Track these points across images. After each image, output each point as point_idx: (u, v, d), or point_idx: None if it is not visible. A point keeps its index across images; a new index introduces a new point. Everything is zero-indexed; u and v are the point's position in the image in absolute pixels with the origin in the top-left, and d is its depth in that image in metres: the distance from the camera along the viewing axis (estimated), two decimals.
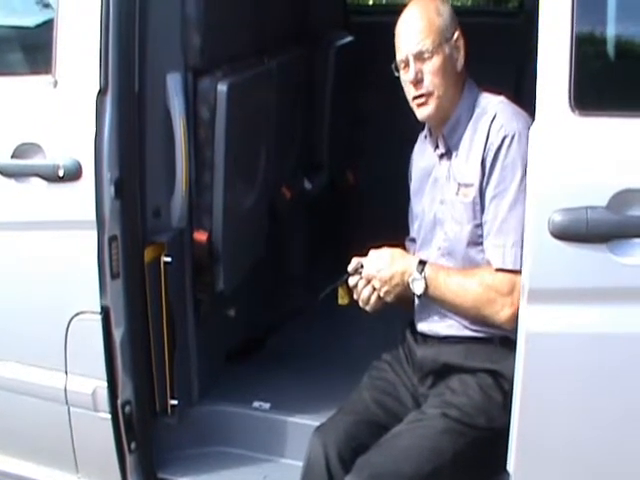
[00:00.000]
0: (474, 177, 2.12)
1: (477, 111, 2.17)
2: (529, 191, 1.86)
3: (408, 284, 2.13)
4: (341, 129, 3.27)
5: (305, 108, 3.06)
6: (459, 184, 2.17)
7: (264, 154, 2.68)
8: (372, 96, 3.40)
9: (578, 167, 1.82)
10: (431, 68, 2.11)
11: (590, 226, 1.78)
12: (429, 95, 2.13)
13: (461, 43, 2.15)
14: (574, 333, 1.84)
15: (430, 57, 2.11)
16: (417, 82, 2.12)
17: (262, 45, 2.73)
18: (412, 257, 2.21)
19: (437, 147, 2.24)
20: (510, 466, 1.95)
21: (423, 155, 2.32)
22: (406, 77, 2.15)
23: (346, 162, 3.36)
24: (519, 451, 1.92)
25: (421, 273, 2.12)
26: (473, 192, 2.13)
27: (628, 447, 1.87)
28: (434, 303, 2.16)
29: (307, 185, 3.09)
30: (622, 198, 1.78)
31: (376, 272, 2.15)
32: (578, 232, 1.79)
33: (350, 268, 2.23)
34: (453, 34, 2.14)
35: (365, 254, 2.23)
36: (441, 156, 2.24)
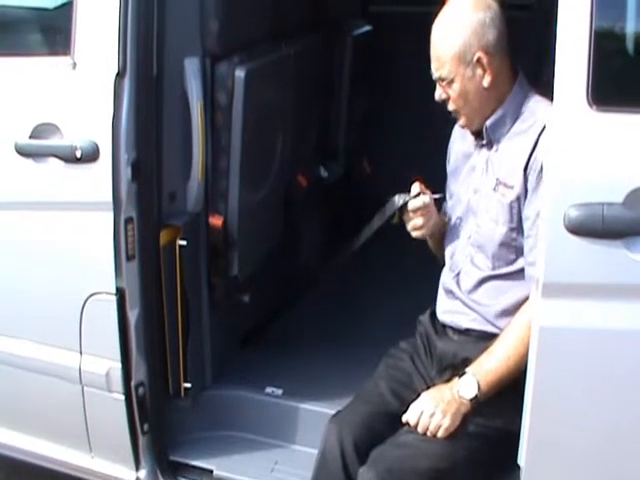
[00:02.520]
0: (516, 181, 2.11)
1: (524, 111, 2.15)
2: (545, 185, 1.85)
3: (460, 396, 2.06)
4: (358, 118, 3.27)
5: (322, 96, 3.06)
6: (498, 180, 2.16)
7: (280, 141, 2.69)
8: (389, 86, 3.39)
9: (595, 163, 1.80)
10: (453, 91, 2.14)
11: (606, 222, 1.77)
12: (457, 112, 2.17)
13: (485, 61, 2.10)
14: (588, 328, 1.83)
15: (450, 82, 2.13)
16: (444, 101, 2.16)
17: (280, 32, 2.72)
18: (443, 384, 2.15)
19: (478, 136, 2.23)
20: (521, 460, 1.95)
21: (464, 139, 2.31)
22: None
23: (362, 151, 3.36)
24: (530, 445, 1.91)
25: (461, 377, 2.08)
26: (512, 195, 2.12)
27: (636, 443, 1.86)
28: (499, 388, 2.05)
29: (323, 173, 3.09)
30: (639, 195, 1.76)
31: (430, 417, 2.07)
32: (594, 228, 1.77)
33: (413, 192, 2.25)
34: (474, 55, 2.10)
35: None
36: (481, 146, 2.23)
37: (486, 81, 2.13)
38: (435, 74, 2.15)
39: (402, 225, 2.29)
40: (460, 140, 2.34)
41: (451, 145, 2.39)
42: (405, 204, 2.25)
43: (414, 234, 2.28)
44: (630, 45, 1.86)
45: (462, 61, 2.11)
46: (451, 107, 2.18)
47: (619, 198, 1.77)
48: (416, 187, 2.26)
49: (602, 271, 1.81)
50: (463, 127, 2.23)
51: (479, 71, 2.12)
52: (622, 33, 1.85)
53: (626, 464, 1.89)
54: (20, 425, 2.63)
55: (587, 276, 1.82)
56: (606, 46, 1.81)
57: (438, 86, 2.17)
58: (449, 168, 2.38)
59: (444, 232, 2.37)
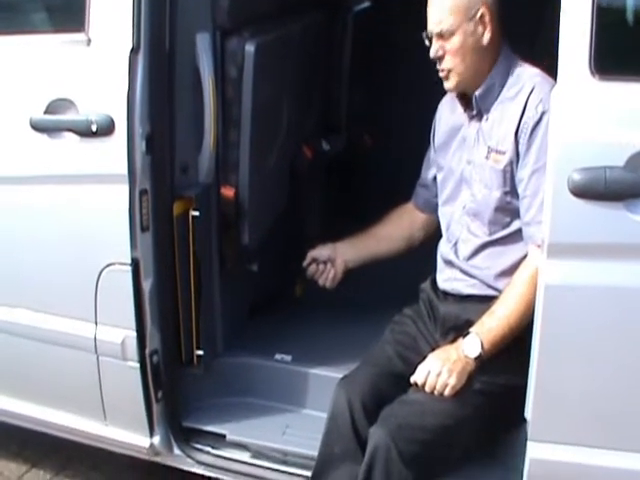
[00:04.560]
0: (507, 146, 2.16)
1: (511, 78, 2.19)
2: (550, 150, 1.91)
3: (465, 356, 2.12)
4: (359, 93, 3.31)
5: (325, 71, 3.10)
6: (489, 147, 2.20)
7: (286, 114, 2.73)
8: (390, 61, 3.43)
9: (597, 129, 1.87)
10: (450, 47, 2.15)
11: (608, 185, 1.84)
12: (449, 71, 2.18)
13: (487, 18, 2.15)
14: (590, 286, 1.90)
15: (450, 37, 2.14)
16: (438, 59, 2.17)
17: (285, 8, 2.77)
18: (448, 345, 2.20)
19: (467, 107, 2.27)
20: (528, 413, 2.02)
21: (453, 112, 2.35)
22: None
23: (364, 125, 3.40)
24: (537, 399, 1.98)
25: (465, 337, 2.14)
26: (505, 160, 2.16)
27: (638, 395, 1.94)
28: (503, 344, 2.12)
29: (325, 146, 3.12)
30: (639, 159, 1.83)
31: (437, 376, 2.13)
32: (596, 190, 1.84)
33: (305, 263, 2.55)
34: (477, 10, 2.14)
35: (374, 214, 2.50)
36: (471, 117, 2.27)
37: (485, 39, 2.16)
38: (435, 28, 2.15)
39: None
40: (448, 114, 2.37)
41: (437, 121, 2.43)
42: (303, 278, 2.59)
43: (329, 284, 2.56)
44: (630, 17, 1.92)
45: (466, 15, 2.14)
46: (446, 65, 2.17)
47: (620, 162, 1.84)
48: (307, 259, 2.56)
49: (604, 232, 1.88)
50: (451, 90, 2.23)
51: (480, 28, 2.15)
52: (623, 6, 1.92)
53: (630, 414, 1.96)
54: (35, 396, 2.66)
55: (590, 236, 1.89)
56: (607, 18, 1.87)
57: (435, 42, 2.16)
58: (437, 143, 2.41)
59: (375, 251, 2.57)
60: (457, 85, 2.21)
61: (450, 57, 2.16)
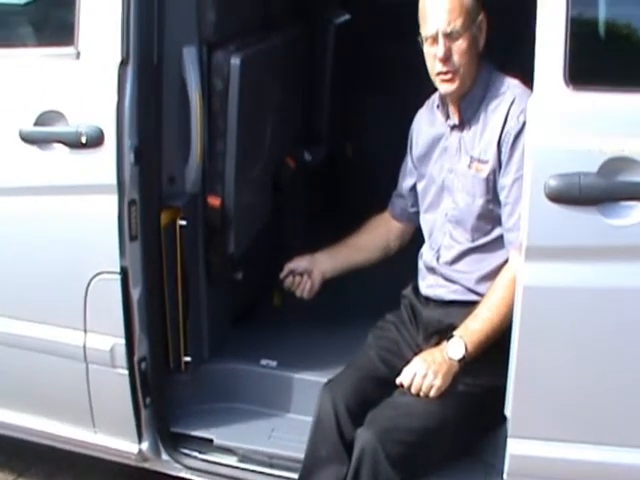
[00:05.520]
0: (490, 155, 2.20)
1: (492, 89, 2.23)
2: (527, 157, 1.97)
3: (450, 358, 2.16)
4: (340, 103, 3.36)
5: (306, 83, 3.15)
6: (472, 157, 2.24)
7: (270, 125, 2.77)
8: (370, 72, 3.48)
9: (572, 136, 1.93)
10: (458, 48, 2.17)
11: (582, 190, 1.90)
12: (454, 72, 2.19)
13: (484, 24, 2.21)
14: (567, 287, 1.97)
15: (458, 37, 2.16)
16: (445, 59, 2.18)
17: (268, 22, 2.82)
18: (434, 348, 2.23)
19: (448, 117, 2.31)
20: (508, 411, 2.08)
21: (433, 123, 2.39)
22: (432, 51, 2.19)
23: (345, 135, 3.46)
24: (516, 396, 2.04)
25: (449, 340, 2.18)
26: (488, 169, 2.21)
27: (613, 391, 2.01)
28: (486, 346, 2.16)
29: (307, 157, 3.16)
30: (611, 165, 1.91)
31: (422, 378, 2.17)
32: (571, 195, 1.91)
33: (282, 275, 2.60)
34: (479, 15, 2.20)
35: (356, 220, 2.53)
36: (452, 127, 2.31)
37: (481, 45, 2.22)
38: (447, 28, 2.15)
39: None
40: (427, 127, 2.41)
41: (414, 133, 2.46)
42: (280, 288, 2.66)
43: (306, 295, 2.61)
44: (602, 31, 2.01)
45: (472, 18, 2.18)
46: (453, 65, 2.18)
47: (594, 168, 1.91)
48: (285, 270, 2.61)
49: (579, 235, 1.95)
50: (451, 94, 2.24)
51: (479, 33, 2.21)
52: (596, 19, 2.00)
53: (606, 409, 2.03)
54: (23, 404, 2.66)
55: (566, 239, 1.96)
56: (581, 31, 1.95)
57: (442, 43, 2.16)
58: (416, 153, 2.45)
59: (352, 261, 2.61)
60: (459, 87, 2.21)
61: (458, 57, 2.18)
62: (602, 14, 2.00)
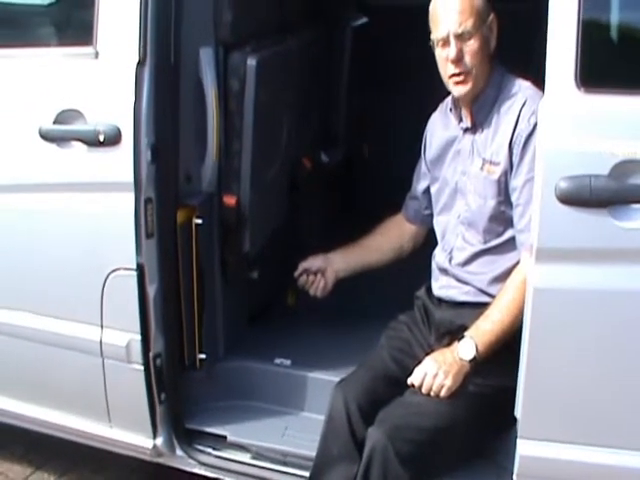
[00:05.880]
0: (501, 157, 2.21)
1: (504, 91, 2.24)
2: (538, 159, 1.97)
3: (461, 358, 2.18)
4: (357, 105, 3.38)
5: (323, 85, 3.16)
6: (484, 159, 2.25)
7: (286, 125, 2.79)
8: (387, 74, 3.50)
9: (583, 139, 1.93)
10: (470, 49, 2.17)
11: (593, 192, 1.91)
12: (467, 74, 2.20)
13: (495, 25, 2.22)
14: (577, 289, 1.97)
15: (470, 38, 2.17)
16: (457, 61, 2.18)
17: (285, 23, 2.85)
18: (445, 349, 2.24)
19: (461, 120, 2.32)
20: (518, 412, 2.08)
21: (447, 127, 2.40)
22: (444, 54, 2.20)
23: (362, 137, 3.47)
24: (526, 398, 2.05)
25: (460, 340, 2.19)
26: (499, 171, 2.22)
27: (623, 393, 2.01)
28: (496, 346, 2.17)
29: (324, 158, 3.19)
30: (623, 167, 1.91)
31: (433, 378, 2.18)
32: (582, 197, 1.91)
33: (296, 273, 2.62)
34: (489, 15, 2.21)
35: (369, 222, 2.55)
36: (465, 130, 2.32)
37: (492, 46, 2.22)
38: (458, 29, 2.15)
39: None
40: (441, 127, 2.42)
41: (428, 136, 2.47)
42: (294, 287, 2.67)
43: (320, 294, 2.64)
44: (614, 33, 2.01)
45: (483, 19, 2.19)
46: (465, 66, 2.18)
47: (605, 170, 1.91)
48: (299, 269, 2.63)
49: (590, 237, 1.95)
50: (464, 96, 2.24)
51: (490, 34, 2.21)
52: (607, 22, 2.00)
53: (616, 412, 2.03)
54: (40, 398, 2.70)
55: (576, 241, 1.96)
56: (592, 35, 1.95)
57: (454, 44, 2.17)
58: (430, 156, 2.46)
59: (365, 261, 2.63)
60: (472, 88, 2.21)
61: (470, 58, 2.18)
62: (614, 17, 2.00)
